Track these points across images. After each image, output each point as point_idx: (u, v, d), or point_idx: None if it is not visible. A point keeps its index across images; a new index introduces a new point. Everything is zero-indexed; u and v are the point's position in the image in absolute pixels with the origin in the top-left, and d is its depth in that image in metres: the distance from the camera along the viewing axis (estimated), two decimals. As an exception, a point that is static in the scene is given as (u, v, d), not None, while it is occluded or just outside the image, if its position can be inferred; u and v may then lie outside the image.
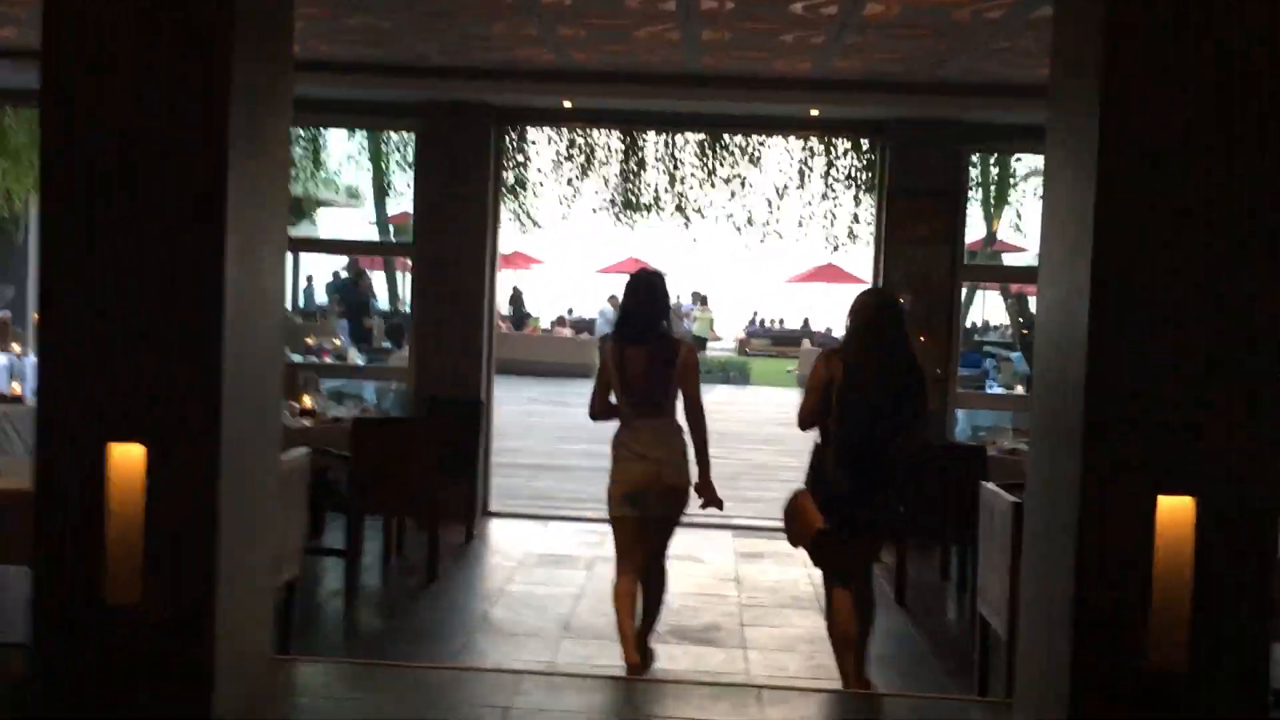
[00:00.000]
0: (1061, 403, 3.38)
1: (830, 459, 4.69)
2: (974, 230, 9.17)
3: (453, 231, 8.56)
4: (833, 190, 9.24)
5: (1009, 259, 15.04)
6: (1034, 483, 3.71)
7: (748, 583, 7.36)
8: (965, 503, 6.44)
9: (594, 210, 9.70)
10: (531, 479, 10.89)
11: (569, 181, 9.71)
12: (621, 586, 5.15)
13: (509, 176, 9.56)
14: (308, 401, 7.37)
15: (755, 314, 37.75)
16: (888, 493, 4.83)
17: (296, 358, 10.34)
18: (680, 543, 7.79)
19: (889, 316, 4.71)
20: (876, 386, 4.59)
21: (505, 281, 39.08)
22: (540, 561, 7.63)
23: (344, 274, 19.53)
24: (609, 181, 9.63)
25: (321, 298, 18.37)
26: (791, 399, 20.28)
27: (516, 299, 35.70)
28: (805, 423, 4.82)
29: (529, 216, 10.16)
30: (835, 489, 4.67)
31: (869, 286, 5.35)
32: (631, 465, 5.02)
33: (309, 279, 24.42)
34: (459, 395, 8.39)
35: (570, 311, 38.29)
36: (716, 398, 19.69)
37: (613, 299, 28.58)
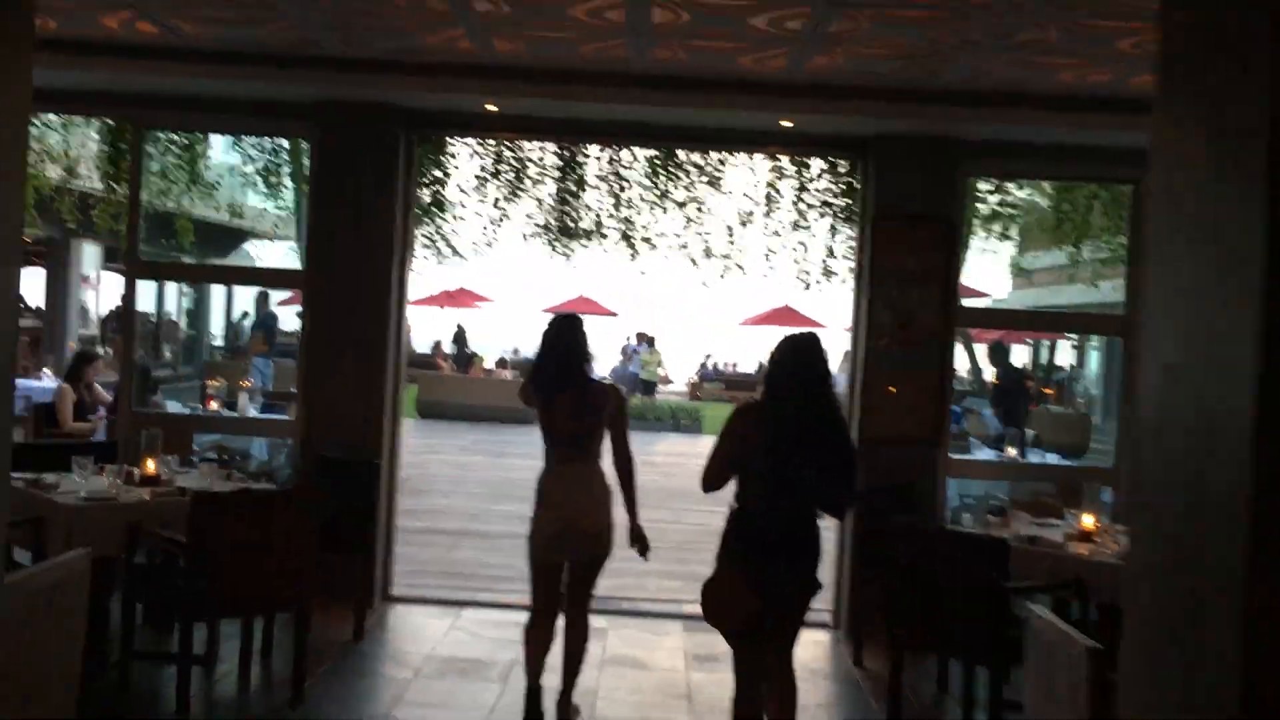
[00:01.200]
0: (1194, 475, 2.04)
1: (753, 524, 4.24)
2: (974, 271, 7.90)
3: (352, 259, 7.10)
4: (804, 219, 7.87)
5: (968, 303, 13.83)
6: (1151, 581, 2.31)
7: (701, 700, 5.89)
8: (982, 610, 5.07)
9: (525, 237, 8.23)
10: (451, 549, 9.37)
11: (495, 203, 8.25)
12: (532, 633, 5.14)
13: (423, 195, 8.06)
14: (150, 466, 5.84)
15: (708, 357, 36.49)
16: (816, 562, 4.35)
17: (174, 406, 8.78)
18: (621, 638, 6.36)
19: (813, 360, 4.30)
20: (804, 440, 4.18)
21: (449, 320, 37.72)
22: (444, 668, 6.12)
23: (273, 307, 17.93)
24: (543, 203, 8.18)
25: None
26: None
27: (460, 338, 34.20)
28: (711, 483, 4.32)
29: (447, 244, 8.66)
30: (760, 561, 4.21)
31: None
32: (551, 511, 5.02)
33: (244, 314, 22.68)
34: (354, 455, 6.88)
35: (515, 351, 36.85)
36: (665, 449, 18.25)
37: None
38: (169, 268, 9.07)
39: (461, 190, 8.16)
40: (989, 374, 14.92)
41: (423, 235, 8.39)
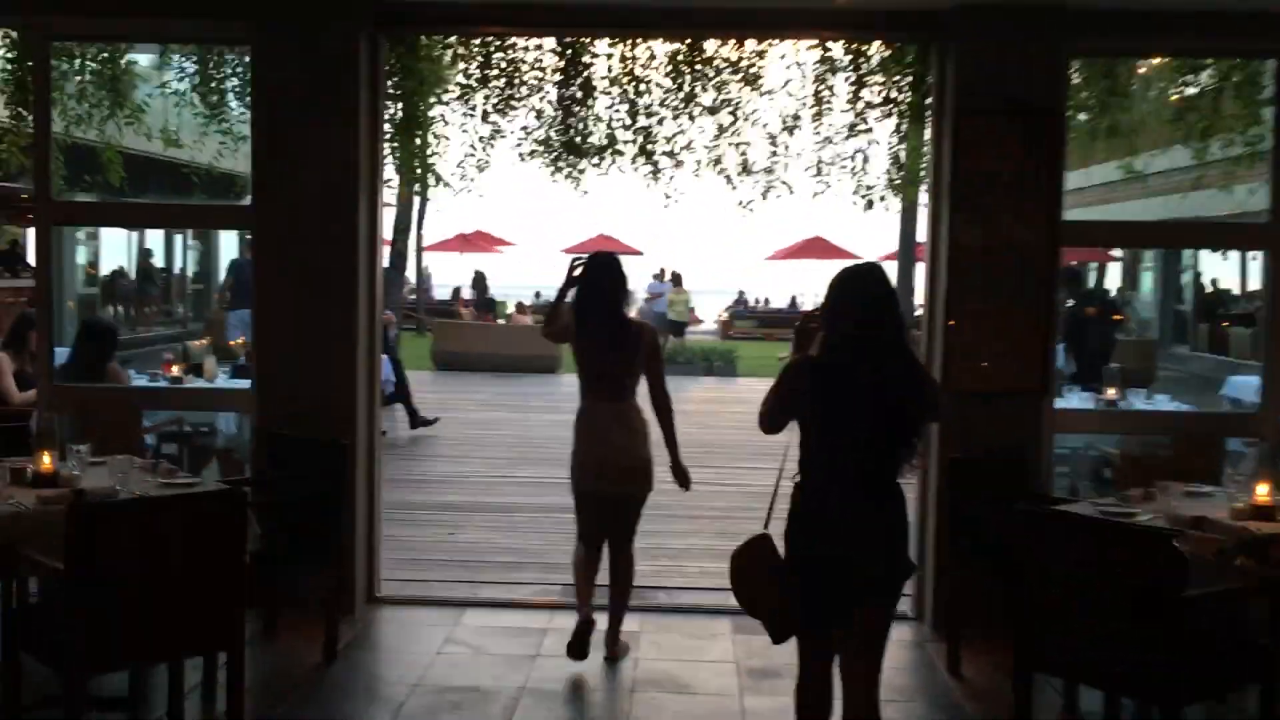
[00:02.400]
0: None
1: (820, 494, 3.61)
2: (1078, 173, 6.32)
3: (309, 192, 5.73)
4: (863, 120, 6.37)
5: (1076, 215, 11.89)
6: None
7: (763, 736, 4.59)
8: (1153, 627, 3.72)
9: (521, 157, 6.78)
10: (457, 528, 8.07)
11: (484, 116, 6.77)
12: (579, 555, 5.30)
13: (395, 110, 6.61)
14: (46, 461, 4.53)
15: (740, 293, 34.99)
16: (904, 537, 3.73)
17: (137, 377, 7.48)
18: (657, 646, 5.60)
19: (874, 292, 3.64)
20: (870, 385, 3.55)
21: (467, 265, 36.39)
22: (434, 704, 4.81)
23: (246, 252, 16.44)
24: (542, 115, 6.70)
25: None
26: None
27: (480, 283, 32.86)
28: (769, 420, 3.70)
29: (429, 170, 7.21)
30: (834, 536, 3.57)
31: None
32: (587, 445, 5.14)
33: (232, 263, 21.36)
34: (319, 433, 5.55)
35: (538, 295, 35.55)
36: (699, 395, 16.87)
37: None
38: (86, 209, 7.55)
39: (440, 102, 6.67)
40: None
41: (396, 159, 6.94)
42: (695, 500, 9.02)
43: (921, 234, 7.33)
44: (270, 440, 5.69)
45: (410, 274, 31.96)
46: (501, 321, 24.90)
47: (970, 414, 5.56)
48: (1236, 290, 26.74)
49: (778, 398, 3.64)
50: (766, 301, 35.87)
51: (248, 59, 5.71)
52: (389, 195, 9.85)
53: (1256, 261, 26.08)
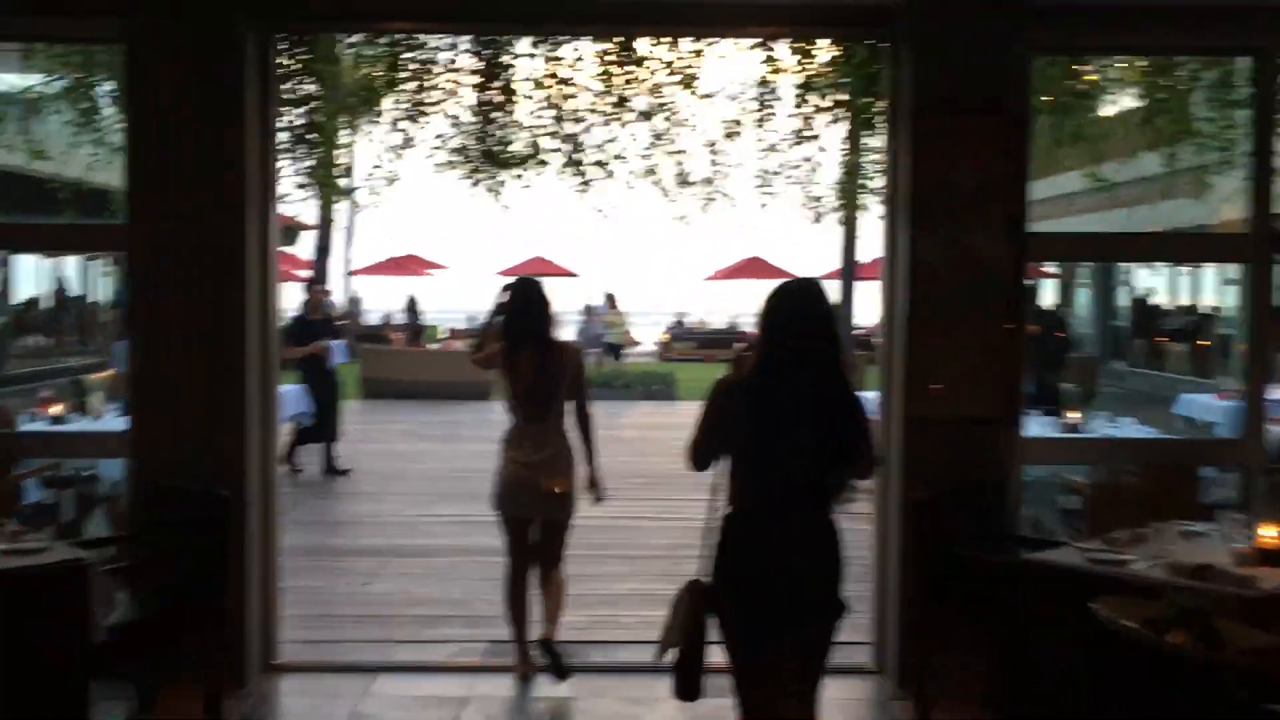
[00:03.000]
0: None
1: (747, 518, 3.43)
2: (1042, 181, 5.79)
3: (191, 208, 5.05)
4: (809, 125, 5.82)
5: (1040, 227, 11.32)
6: None
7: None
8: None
9: (436, 167, 6.13)
10: (371, 576, 7.35)
11: (394, 124, 6.12)
12: (508, 572, 5.35)
13: (291, 118, 5.93)
14: None
15: (678, 314, 34.51)
16: (836, 572, 3.47)
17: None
18: (599, 713, 5.06)
19: (809, 309, 3.47)
20: (797, 410, 3.37)
21: (399, 289, 35.47)
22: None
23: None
24: (459, 122, 6.07)
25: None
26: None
27: (412, 308, 32.01)
28: (698, 457, 3.53)
29: (330, 184, 6.53)
30: (761, 555, 3.39)
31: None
32: (511, 468, 5.20)
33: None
34: (202, 481, 4.85)
35: (472, 320, 34.74)
36: (637, 420, 16.25)
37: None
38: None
39: (344, 108, 6.00)
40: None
41: (297, 172, 6.24)
42: (634, 538, 8.47)
43: (869, 250, 6.78)
44: (146, 490, 4.98)
45: (339, 299, 31.07)
46: (433, 347, 24.11)
47: (931, 444, 5.05)
48: (1167, 305, 26.88)
49: (706, 425, 3.48)
50: (705, 322, 35.43)
51: (121, 59, 5.01)
52: (304, 213, 9.15)
53: (1186, 276, 26.43)
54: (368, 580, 7.18)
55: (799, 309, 3.46)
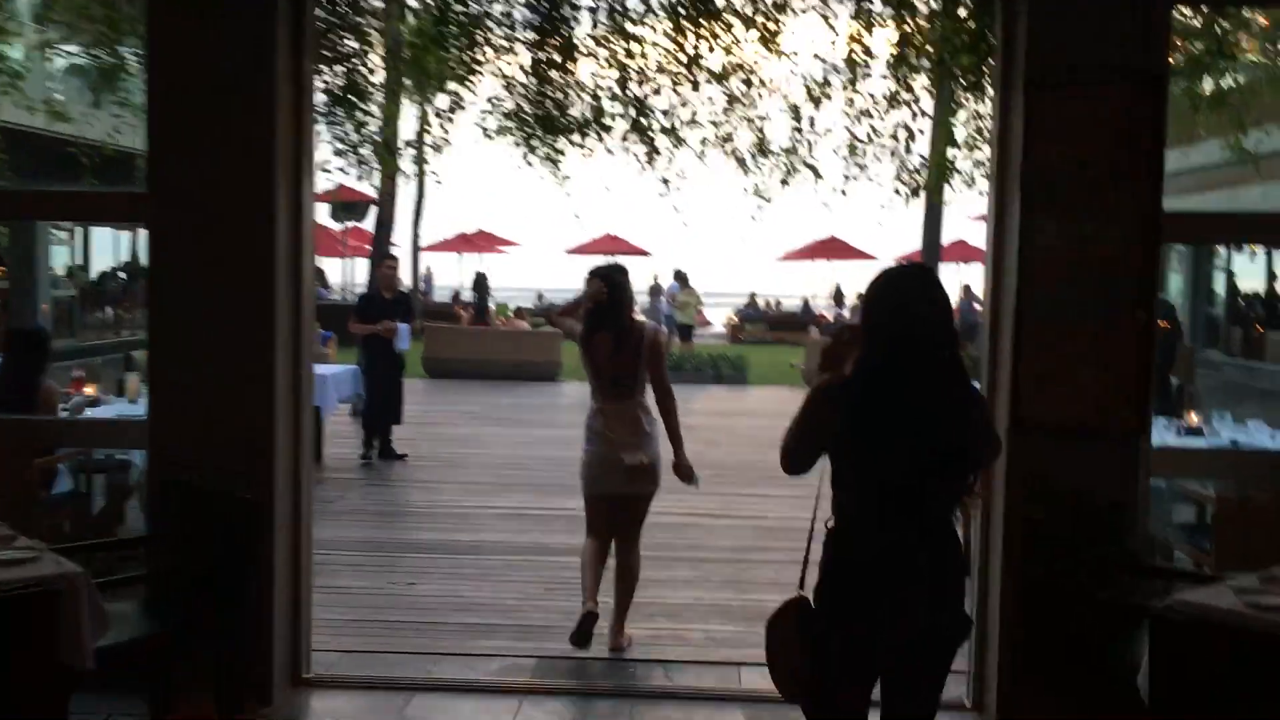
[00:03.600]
0: None
1: (858, 538, 3.04)
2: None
3: (218, 178, 4.57)
4: (908, 89, 5.13)
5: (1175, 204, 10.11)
6: None
7: None
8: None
9: (486, 133, 5.55)
10: (417, 576, 6.85)
11: (442, 84, 5.54)
12: (588, 546, 5.42)
13: (330, 78, 5.39)
14: None
15: (752, 294, 33.76)
16: (961, 592, 3.14)
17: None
18: None
19: (930, 296, 3.05)
20: (921, 411, 2.99)
21: (469, 267, 35.17)
22: None
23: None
24: (513, 83, 5.48)
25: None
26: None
27: (481, 285, 31.69)
28: (793, 460, 3.14)
29: (379, 147, 5.97)
30: (874, 584, 3.00)
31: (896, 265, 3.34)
32: (595, 448, 5.35)
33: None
34: (226, 482, 4.37)
35: (540, 298, 34.39)
36: (706, 406, 15.63)
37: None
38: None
39: (389, 66, 5.44)
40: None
41: (331, 134, 5.71)
42: (700, 538, 7.91)
43: (955, 231, 6.07)
44: (166, 488, 4.52)
45: (406, 275, 30.85)
46: (499, 324, 23.71)
47: (1046, 458, 4.40)
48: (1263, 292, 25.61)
49: (802, 429, 3.12)
50: (778, 304, 34.66)
51: (142, 11, 4.54)
52: (364, 186, 8.67)
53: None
54: (413, 581, 6.69)
55: (911, 299, 3.05)
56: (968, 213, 20.91)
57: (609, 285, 5.28)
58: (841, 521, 3.10)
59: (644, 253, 32.96)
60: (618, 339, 5.28)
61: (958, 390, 3.09)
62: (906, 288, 3.11)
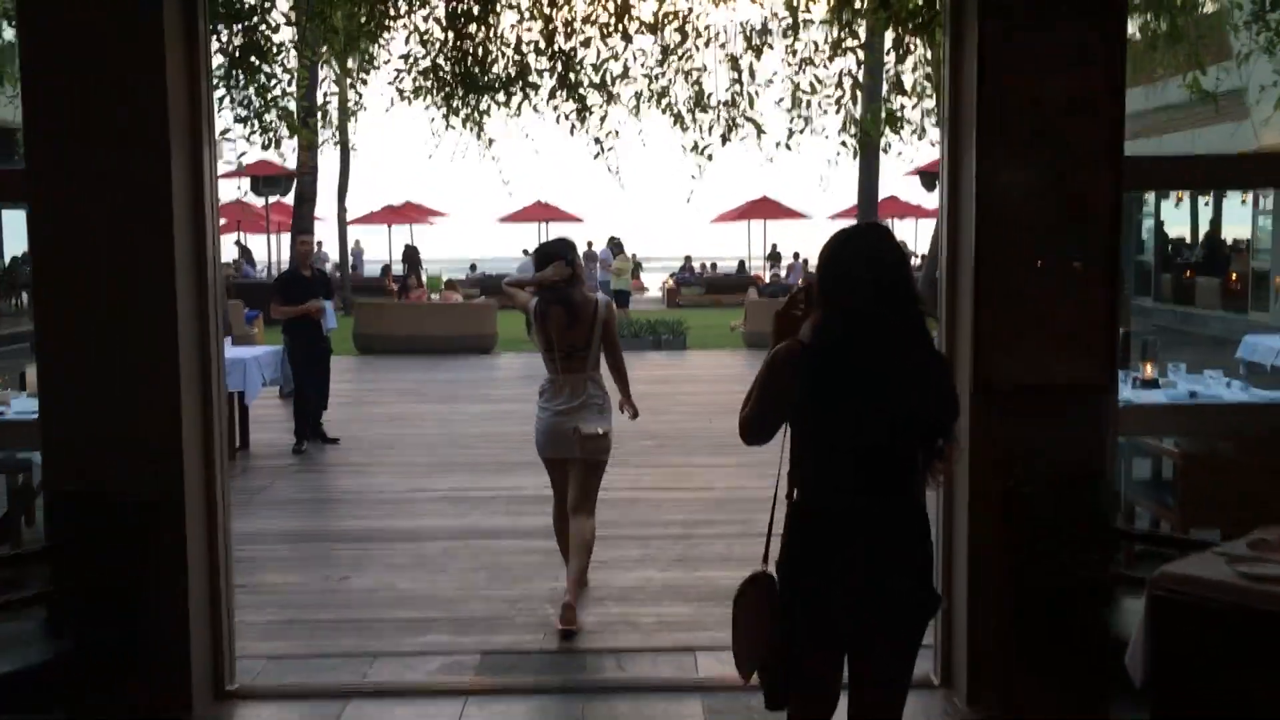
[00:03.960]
0: None
1: (820, 510, 2.93)
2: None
3: (107, 150, 4.13)
4: (851, 32, 4.80)
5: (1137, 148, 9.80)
6: None
7: None
8: None
9: (403, 95, 5.14)
10: (351, 568, 6.47)
11: (349, 41, 5.10)
12: (555, 508, 5.77)
13: (228, 40, 4.94)
14: None
15: (687, 258, 33.49)
16: (927, 553, 3.00)
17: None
18: None
19: (888, 257, 2.95)
20: (883, 376, 2.88)
21: (399, 239, 34.41)
22: None
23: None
24: (429, 39, 5.07)
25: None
26: (742, 367, 16.04)
27: (411, 257, 31.03)
28: (756, 434, 2.98)
29: (283, 114, 5.53)
30: (838, 557, 2.89)
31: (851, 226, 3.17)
32: (549, 418, 5.50)
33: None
34: (127, 481, 3.98)
35: (474, 269, 33.86)
36: (647, 373, 15.29)
37: (526, 252, 24.08)
38: None
39: (292, 26, 4.99)
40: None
41: (238, 103, 5.26)
42: (647, 514, 7.60)
43: (896, 188, 5.78)
44: (61, 495, 4.11)
45: (334, 250, 30.09)
46: (434, 298, 23.17)
47: (1010, 420, 4.16)
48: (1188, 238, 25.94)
49: (763, 399, 2.96)
50: (714, 266, 34.44)
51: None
52: (275, 156, 8.16)
53: (1206, 207, 25.34)
54: (346, 574, 6.31)
55: (868, 259, 2.93)
56: (901, 169, 20.76)
57: (569, 264, 5.41)
58: (805, 492, 2.98)
59: (576, 219, 32.50)
60: (571, 312, 5.42)
61: (920, 353, 2.98)
62: (864, 248, 2.98)
